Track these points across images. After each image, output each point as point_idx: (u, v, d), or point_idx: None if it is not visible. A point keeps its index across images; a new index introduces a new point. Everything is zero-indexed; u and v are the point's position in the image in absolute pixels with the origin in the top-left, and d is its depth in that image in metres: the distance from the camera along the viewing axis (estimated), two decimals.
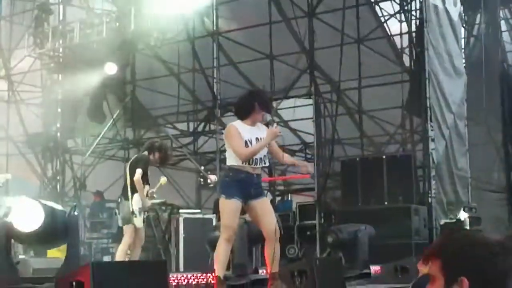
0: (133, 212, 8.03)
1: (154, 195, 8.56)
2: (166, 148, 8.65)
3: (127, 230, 8.10)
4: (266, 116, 5.96)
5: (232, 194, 5.72)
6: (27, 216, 5.00)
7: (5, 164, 14.01)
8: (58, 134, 15.03)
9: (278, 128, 5.85)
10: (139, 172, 7.97)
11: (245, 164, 5.75)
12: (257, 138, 5.80)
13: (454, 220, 11.27)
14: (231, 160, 5.83)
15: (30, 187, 14.04)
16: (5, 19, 15.39)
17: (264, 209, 5.84)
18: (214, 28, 14.37)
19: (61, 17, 15.23)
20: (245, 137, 5.77)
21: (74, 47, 13.79)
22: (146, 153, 8.35)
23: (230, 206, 5.73)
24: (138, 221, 8.10)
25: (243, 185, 5.77)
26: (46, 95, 15.07)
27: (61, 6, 15.42)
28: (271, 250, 5.79)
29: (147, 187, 8.27)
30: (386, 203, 10.99)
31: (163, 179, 8.85)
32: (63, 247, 6.42)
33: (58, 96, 14.79)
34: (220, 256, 5.76)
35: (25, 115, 14.96)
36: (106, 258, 12.58)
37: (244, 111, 5.91)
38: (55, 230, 4.91)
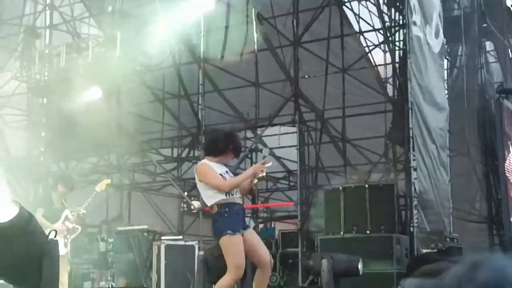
0: None
1: (83, 211, 8.65)
2: (64, 178, 8.91)
3: None
4: (265, 151, 6.05)
5: (237, 228, 5.67)
6: None
7: None
8: (42, 158, 14.97)
9: (265, 167, 5.76)
10: (38, 213, 8.18)
11: (228, 196, 5.75)
12: (226, 171, 5.87)
13: (435, 250, 11.30)
14: (214, 198, 5.75)
15: None
16: None
17: (257, 239, 5.88)
18: (201, 55, 14.44)
19: (47, 41, 15.29)
20: (218, 172, 5.81)
21: (60, 71, 13.81)
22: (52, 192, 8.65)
23: (238, 242, 5.62)
24: None
25: (240, 217, 5.80)
26: (30, 118, 15.04)
27: (47, 30, 15.50)
28: (266, 279, 5.86)
29: (65, 211, 8.43)
30: (368, 232, 11.01)
31: (100, 185, 9.00)
32: None
33: (42, 120, 14.77)
34: None
35: (9, 139, 14.91)
36: (87, 284, 12.48)
37: (218, 151, 5.93)
38: (29, 239, 4.61)
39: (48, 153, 14.96)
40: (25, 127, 15.22)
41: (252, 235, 5.84)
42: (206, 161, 5.91)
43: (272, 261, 5.94)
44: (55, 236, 5.17)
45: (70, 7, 15.74)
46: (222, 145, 5.94)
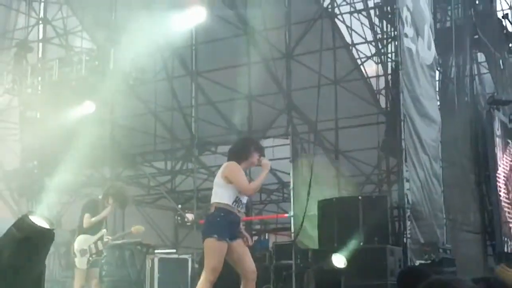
0: (73, 252, 8.06)
1: (109, 239, 8.46)
2: (117, 194, 8.47)
3: (75, 273, 8.11)
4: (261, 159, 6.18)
5: (224, 235, 5.76)
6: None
7: None
8: (35, 171, 14.94)
9: (267, 160, 6.10)
10: (86, 217, 8.05)
11: (233, 205, 5.83)
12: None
13: (429, 261, 11.31)
14: (223, 199, 5.87)
15: (5, 224, 13.87)
16: None
17: (244, 251, 5.94)
18: (193, 67, 14.49)
19: (40, 55, 15.30)
20: None
21: (53, 85, 13.81)
22: (100, 197, 8.40)
23: (220, 248, 5.74)
24: (79, 262, 8.05)
25: (233, 227, 5.87)
26: (24, 132, 15.02)
27: (40, 44, 15.52)
28: None
29: (103, 231, 8.25)
30: (361, 243, 11.02)
31: (136, 228, 8.83)
32: None
33: (36, 133, 14.75)
34: None
35: (3, 152, 14.89)
36: None
37: (241, 156, 6.06)
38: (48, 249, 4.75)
39: (41, 166, 14.93)
40: (18, 141, 15.19)
41: (240, 246, 5.91)
42: (235, 163, 6.04)
43: (256, 273, 5.95)
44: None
45: (63, 20, 15.76)
46: (244, 149, 6.12)
